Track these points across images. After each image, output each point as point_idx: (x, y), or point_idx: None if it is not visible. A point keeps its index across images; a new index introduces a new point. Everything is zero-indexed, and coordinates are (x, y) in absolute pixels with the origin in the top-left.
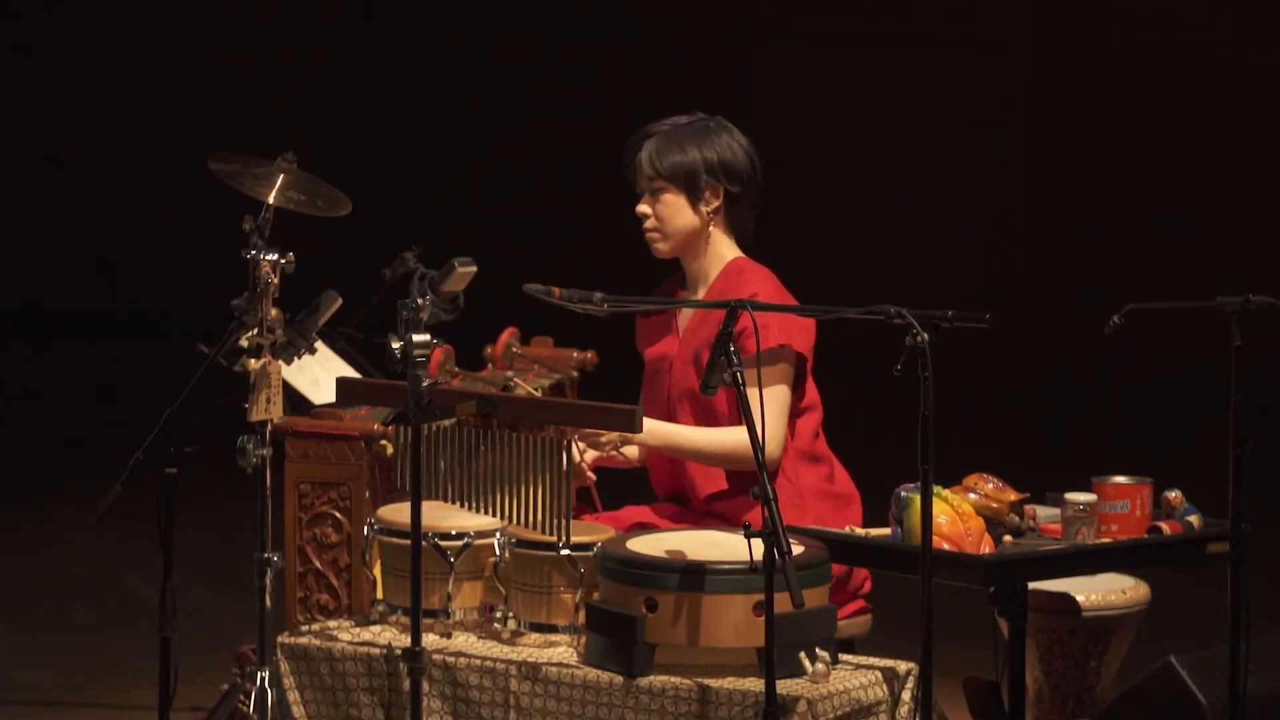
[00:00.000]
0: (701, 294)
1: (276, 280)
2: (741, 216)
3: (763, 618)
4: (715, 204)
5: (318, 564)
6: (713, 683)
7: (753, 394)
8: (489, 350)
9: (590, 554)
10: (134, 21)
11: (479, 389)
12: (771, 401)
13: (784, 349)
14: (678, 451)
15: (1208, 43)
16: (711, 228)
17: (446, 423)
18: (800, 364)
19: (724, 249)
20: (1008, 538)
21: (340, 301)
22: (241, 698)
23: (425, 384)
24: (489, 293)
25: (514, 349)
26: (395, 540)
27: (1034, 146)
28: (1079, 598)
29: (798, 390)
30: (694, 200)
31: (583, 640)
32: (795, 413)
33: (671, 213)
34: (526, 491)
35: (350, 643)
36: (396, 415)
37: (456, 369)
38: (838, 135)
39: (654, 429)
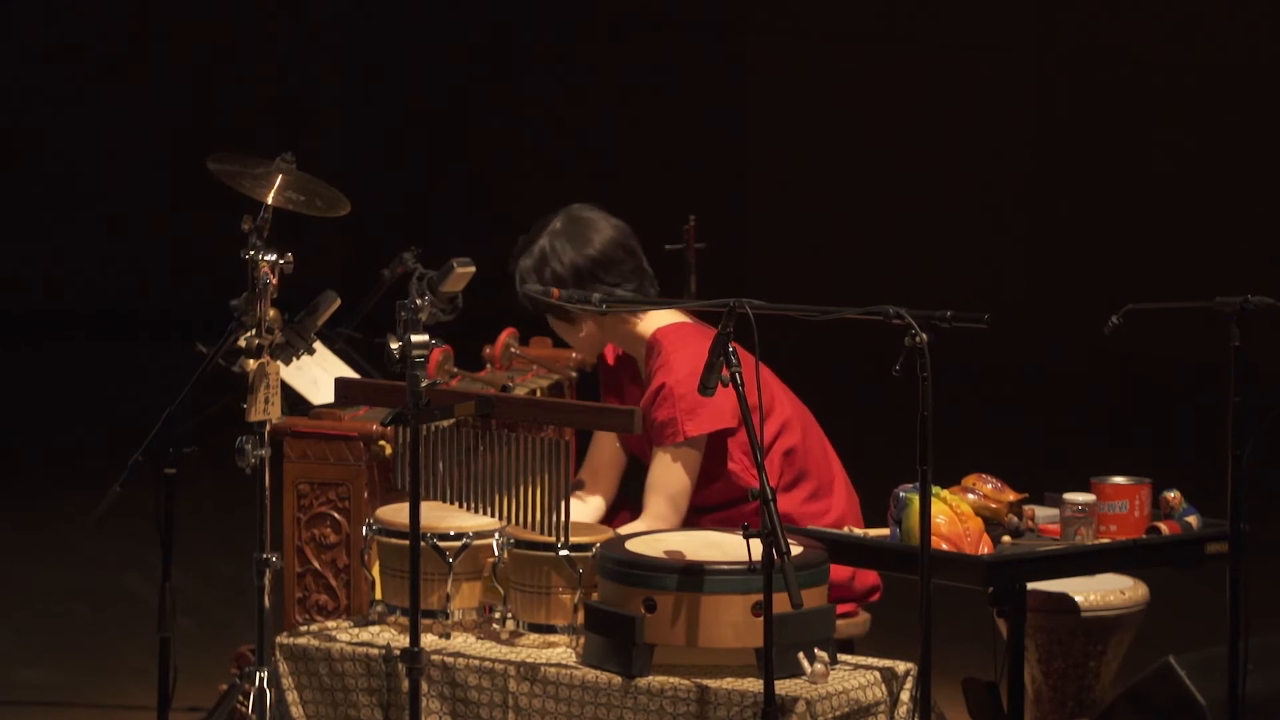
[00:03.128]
0: (643, 373)
1: (275, 281)
2: (626, 293)
3: (761, 618)
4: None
5: (316, 564)
6: (711, 683)
7: (656, 469)
8: (487, 351)
9: (589, 554)
10: (134, 20)
11: (477, 390)
12: (659, 492)
13: (680, 449)
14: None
15: (1208, 43)
16: (606, 323)
17: (445, 423)
18: (705, 442)
19: (639, 328)
20: (1006, 538)
21: (339, 302)
22: (240, 698)
23: (424, 384)
24: (488, 290)
25: (513, 349)
26: (394, 541)
27: (1034, 146)
28: (1078, 598)
29: (715, 459)
30: (568, 320)
31: (581, 641)
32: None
33: (563, 333)
34: (525, 492)
35: (349, 643)
36: (395, 416)
37: (455, 369)
38: (837, 135)
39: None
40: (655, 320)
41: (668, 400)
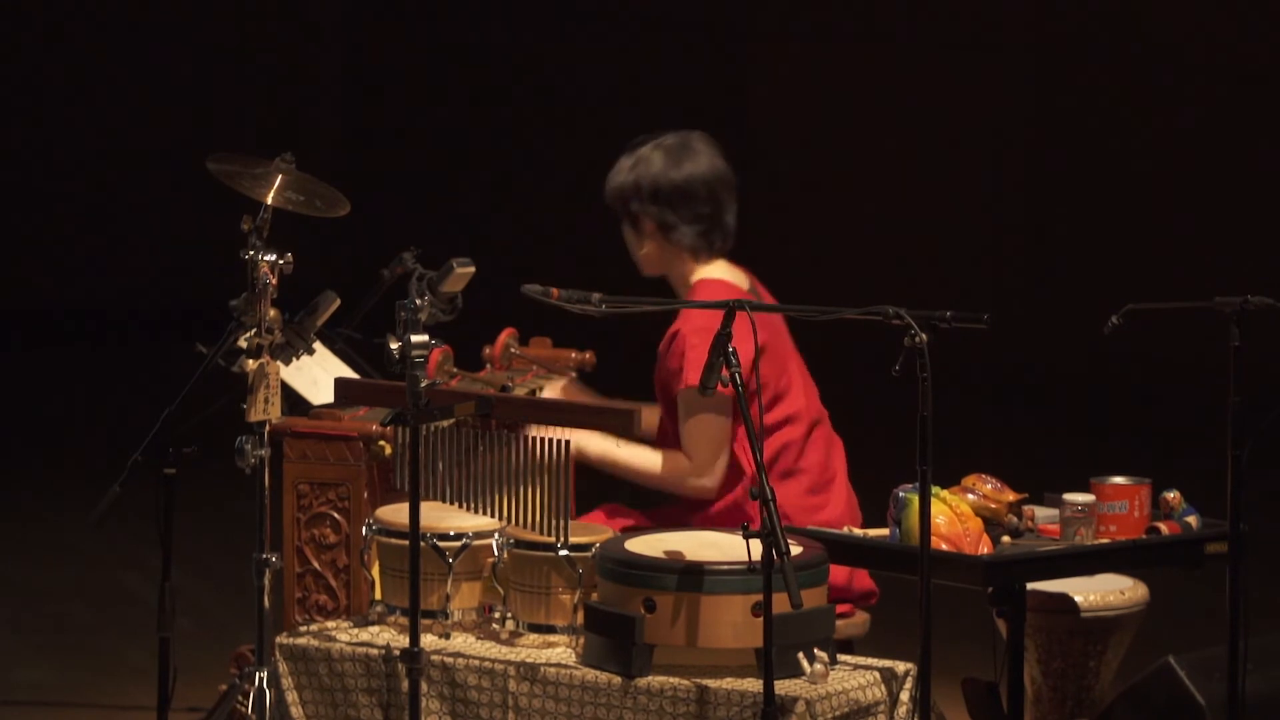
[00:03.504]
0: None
1: (275, 281)
2: (684, 237)
3: (761, 618)
4: (648, 228)
5: (316, 564)
6: (711, 683)
7: (681, 416)
8: (487, 351)
9: (589, 554)
10: (133, 20)
11: (477, 390)
12: (696, 440)
13: (690, 392)
14: (614, 466)
15: (1209, 42)
16: (660, 250)
17: (445, 423)
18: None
19: (687, 271)
20: (1006, 538)
21: (338, 302)
22: (240, 698)
23: (423, 385)
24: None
25: (512, 349)
26: (394, 541)
27: (1034, 146)
28: (1077, 598)
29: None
30: (633, 228)
31: (581, 641)
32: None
33: (627, 238)
34: (525, 492)
35: (349, 643)
36: (395, 416)
37: (455, 369)
38: (837, 135)
39: (601, 447)
40: (704, 271)
41: (678, 347)
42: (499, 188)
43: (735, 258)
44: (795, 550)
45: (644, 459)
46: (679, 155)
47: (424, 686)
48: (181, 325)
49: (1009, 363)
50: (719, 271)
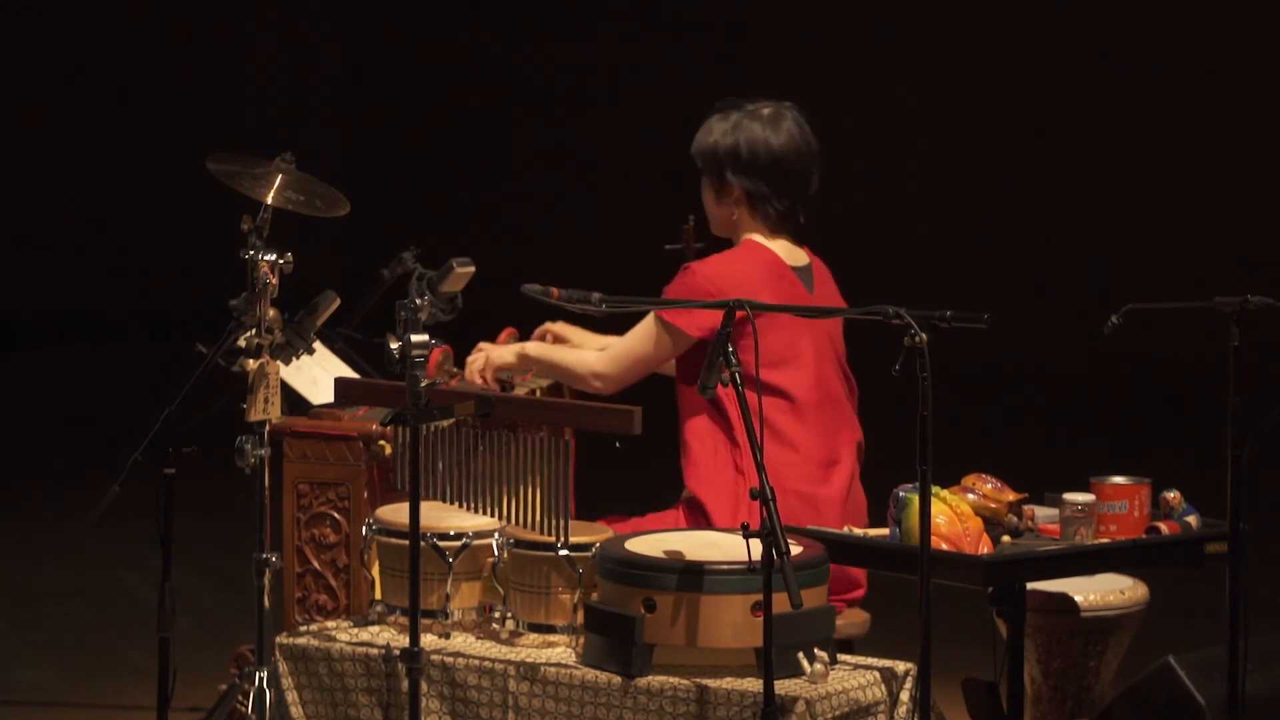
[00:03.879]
0: None
1: (275, 280)
2: (768, 207)
3: (761, 618)
4: (735, 194)
5: (316, 564)
6: (711, 683)
7: (627, 334)
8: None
9: (589, 554)
10: (132, 19)
11: (477, 390)
12: (618, 346)
13: (660, 321)
14: (540, 363)
15: (1209, 42)
16: (737, 215)
17: (445, 423)
18: (683, 340)
19: (739, 232)
20: (1006, 538)
21: (338, 302)
22: (240, 698)
23: (423, 384)
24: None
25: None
26: (394, 540)
27: (1034, 146)
28: (1077, 598)
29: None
30: (717, 189)
31: (581, 640)
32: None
33: (706, 197)
34: (525, 492)
35: (349, 643)
36: (395, 416)
37: (455, 369)
38: (837, 135)
39: (536, 346)
40: (753, 233)
41: (677, 278)
42: (499, 187)
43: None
44: (795, 550)
45: (573, 354)
46: (776, 126)
47: (424, 686)
48: (181, 325)
49: (1009, 363)
50: (775, 244)
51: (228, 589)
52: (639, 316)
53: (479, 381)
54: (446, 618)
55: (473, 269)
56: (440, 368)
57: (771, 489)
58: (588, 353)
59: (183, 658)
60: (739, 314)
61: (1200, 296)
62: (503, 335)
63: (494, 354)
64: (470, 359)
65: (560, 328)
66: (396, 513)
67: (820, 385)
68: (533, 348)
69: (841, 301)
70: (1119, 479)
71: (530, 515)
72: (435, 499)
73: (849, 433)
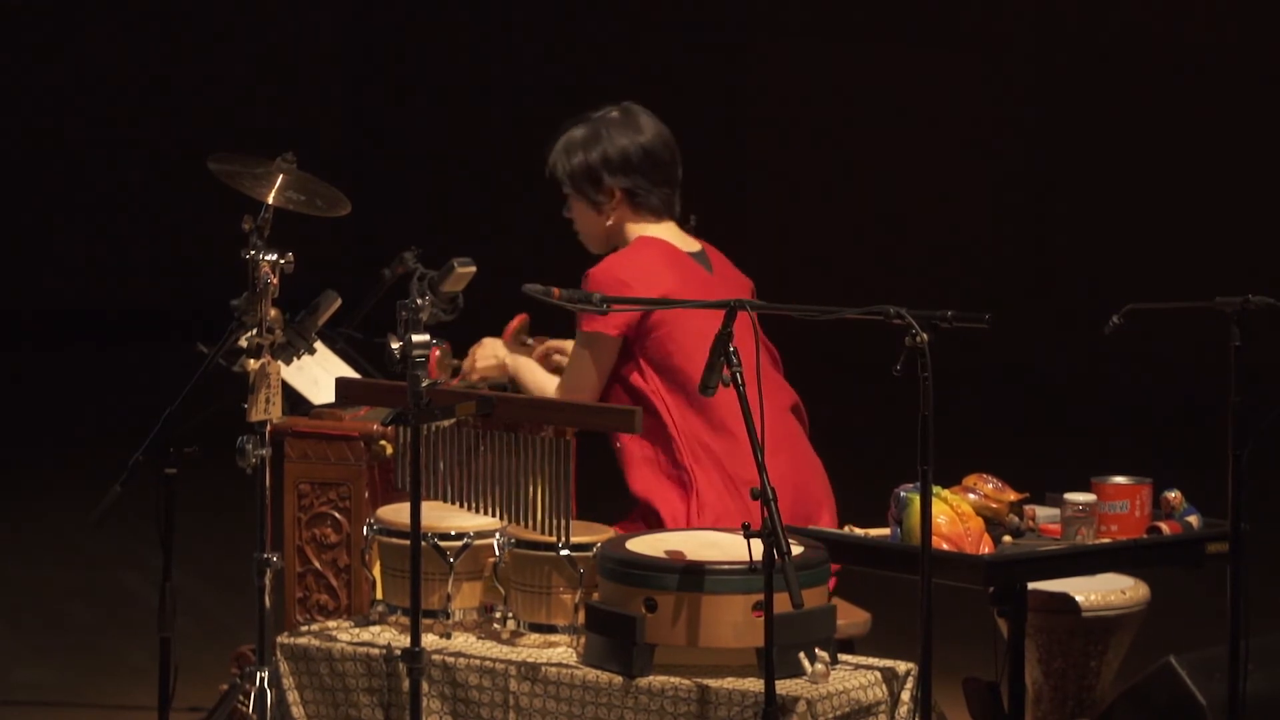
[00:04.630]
0: None
1: (276, 280)
2: (651, 198)
3: (762, 618)
4: (616, 197)
5: (317, 564)
6: (712, 683)
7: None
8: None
9: (590, 554)
10: (131, 19)
11: (477, 389)
12: (571, 372)
13: (593, 335)
14: (518, 383)
15: (1209, 42)
16: (617, 220)
17: (446, 423)
18: (610, 344)
19: (631, 232)
20: (1007, 538)
21: (339, 302)
22: (241, 698)
23: (425, 384)
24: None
25: (523, 337)
26: (395, 540)
27: (1034, 146)
28: (1078, 598)
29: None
30: (594, 201)
31: (582, 640)
32: (671, 402)
33: (580, 215)
34: (526, 491)
35: (350, 643)
36: (396, 416)
37: (456, 361)
38: (837, 135)
39: (514, 361)
40: (638, 227)
41: (583, 287)
42: (500, 187)
43: (735, 257)
44: (796, 550)
45: (540, 385)
46: (633, 123)
47: (425, 686)
48: (182, 325)
49: (1009, 363)
50: (665, 233)
51: (228, 589)
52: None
53: (475, 377)
54: (447, 618)
55: (474, 269)
56: (440, 364)
57: (773, 489)
58: (552, 381)
59: (183, 658)
60: (652, 316)
61: (1200, 296)
62: (514, 322)
63: (483, 363)
64: (473, 358)
65: (566, 346)
66: (397, 513)
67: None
68: (519, 367)
69: (743, 279)
70: (1120, 479)
71: (531, 515)
72: (436, 499)
73: (782, 399)
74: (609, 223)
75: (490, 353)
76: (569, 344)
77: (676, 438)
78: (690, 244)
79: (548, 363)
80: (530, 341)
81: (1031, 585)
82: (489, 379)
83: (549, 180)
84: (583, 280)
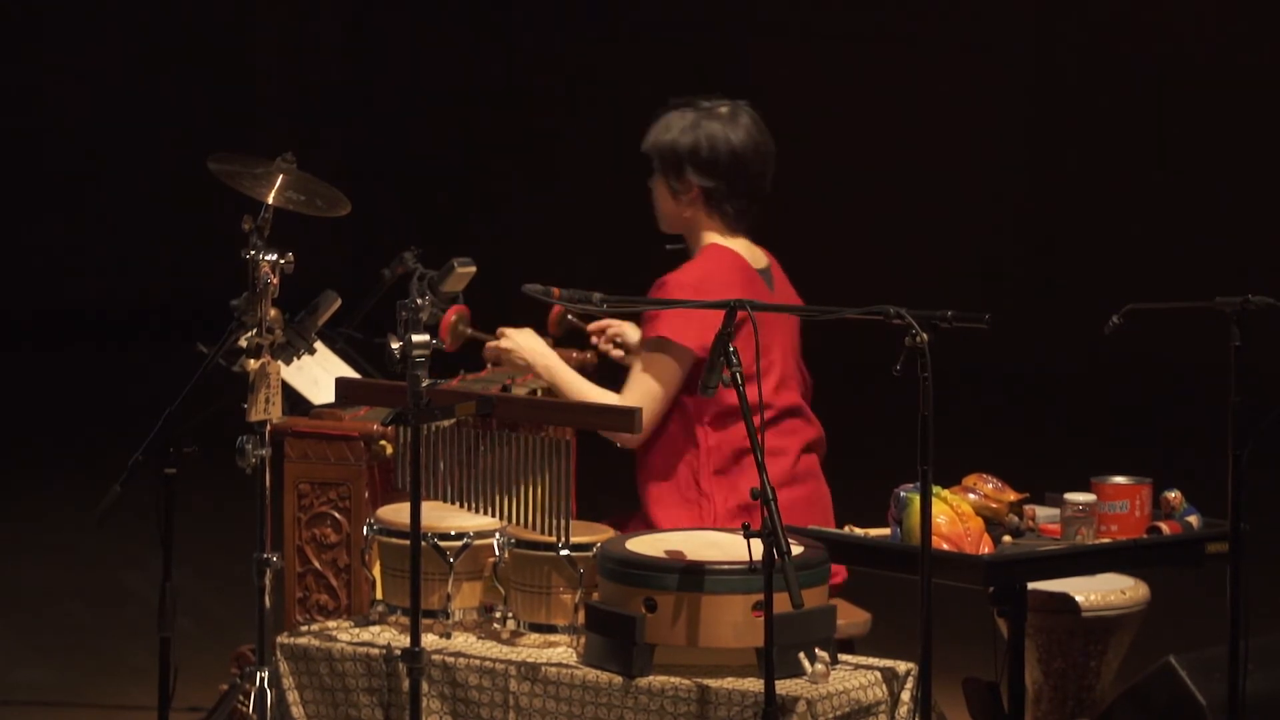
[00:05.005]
0: None
1: (276, 280)
2: (726, 206)
3: (762, 618)
4: (691, 194)
5: (317, 564)
6: (712, 683)
7: (633, 380)
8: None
9: (589, 554)
10: (132, 18)
11: (478, 390)
12: (634, 389)
13: (664, 342)
14: (557, 391)
15: (1209, 43)
16: (692, 213)
17: (446, 423)
18: (691, 359)
19: (705, 235)
20: (1007, 538)
21: (339, 302)
22: (241, 698)
23: (434, 344)
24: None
25: (463, 327)
26: (394, 540)
27: (1034, 146)
28: (1078, 598)
29: (691, 388)
30: (672, 187)
31: (582, 640)
32: (710, 419)
33: (660, 194)
34: (526, 492)
35: (349, 643)
36: (396, 416)
37: (471, 330)
38: (837, 135)
39: (547, 364)
40: (709, 232)
41: (657, 293)
42: (500, 188)
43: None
44: (796, 550)
45: (592, 394)
46: (733, 124)
47: (425, 686)
48: (182, 325)
49: (1009, 363)
50: (736, 245)
51: (228, 589)
52: (639, 316)
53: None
54: (447, 618)
55: (473, 269)
56: (454, 331)
57: (773, 489)
58: (611, 396)
59: (183, 657)
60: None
61: (1200, 296)
62: (554, 312)
63: (519, 351)
64: (498, 346)
65: (625, 330)
66: (397, 513)
67: (779, 392)
68: (559, 376)
69: (796, 299)
70: (1120, 479)
71: (531, 515)
72: (436, 499)
73: (808, 432)
74: (685, 214)
75: (528, 344)
76: (628, 327)
77: (704, 459)
78: (759, 259)
79: (608, 349)
80: (470, 331)
81: (1031, 585)
82: (517, 372)
83: (640, 153)
84: (657, 287)
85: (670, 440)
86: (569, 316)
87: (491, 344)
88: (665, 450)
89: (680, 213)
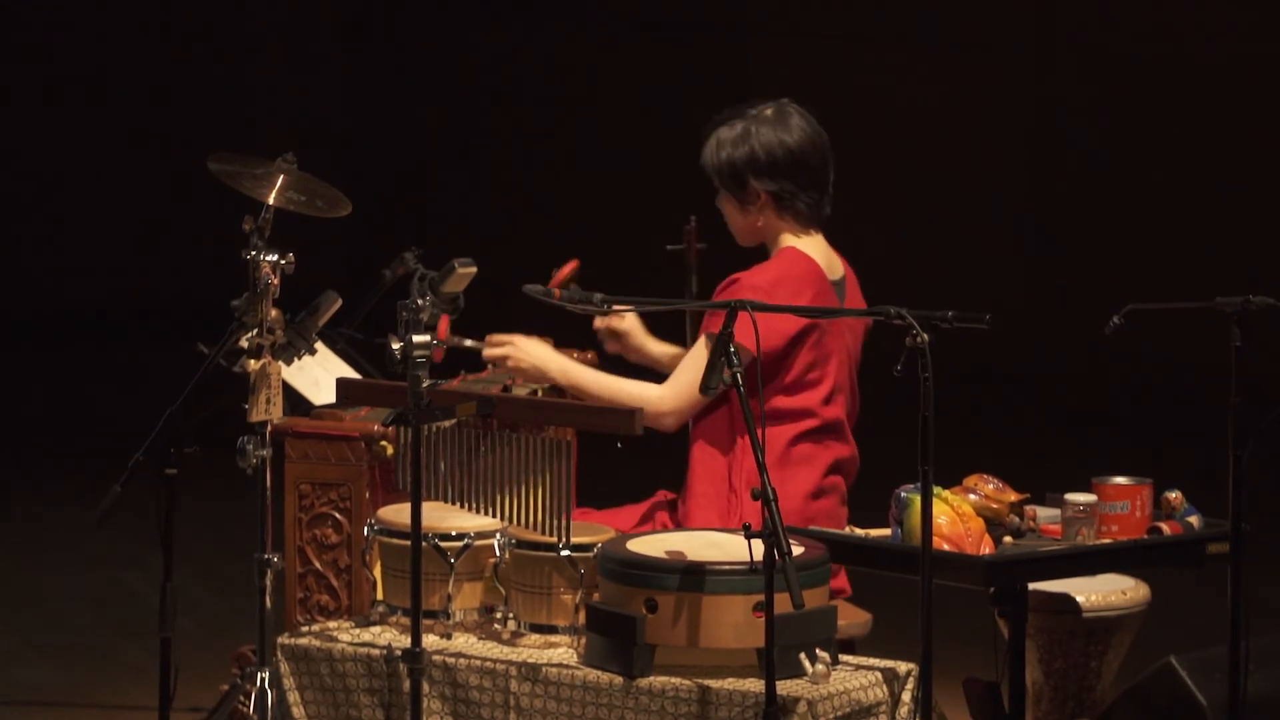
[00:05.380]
0: None
1: (276, 281)
2: (797, 204)
3: (763, 618)
4: (760, 201)
5: (318, 565)
6: (713, 683)
7: (680, 369)
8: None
9: (590, 554)
10: (132, 17)
11: (478, 390)
12: (678, 379)
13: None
14: (581, 393)
15: (1209, 43)
16: (765, 221)
17: (446, 424)
18: (744, 358)
19: (782, 239)
20: (1008, 538)
21: (340, 302)
22: (241, 698)
23: (436, 345)
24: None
25: (455, 337)
26: (395, 541)
27: (1034, 146)
28: (1079, 598)
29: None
30: (740, 200)
31: (583, 641)
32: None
33: (729, 211)
34: (526, 492)
35: (350, 644)
36: (397, 416)
37: (458, 336)
38: (837, 135)
39: (564, 368)
40: (785, 234)
41: (727, 290)
42: (501, 188)
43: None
44: (797, 550)
45: (625, 388)
46: (783, 124)
47: (425, 687)
48: (182, 325)
49: (1010, 362)
50: (811, 248)
51: (229, 589)
52: (639, 316)
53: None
54: (448, 618)
55: (474, 269)
56: (454, 331)
57: (773, 489)
58: (647, 387)
59: (184, 658)
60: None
61: (1201, 296)
62: (566, 268)
63: (530, 359)
64: (499, 350)
65: (628, 323)
66: (398, 513)
67: (827, 404)
68: (581, 377)
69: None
70: (1121, 479)
71: (532, 516)
72: (437, 499)
73: (840, 450)
74: (759, 224)
75: (538, 352)
76: (634, 324)
77: (738, 458)
78: (835, 268)
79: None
80: (469, 343)
81: (1032, 585)
82: (526, 380)
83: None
84: (728, 283)
85: (714, 437)
86: (454, 337)
87: (494, 353)
88: (708, 446)
89: (753, 223)
